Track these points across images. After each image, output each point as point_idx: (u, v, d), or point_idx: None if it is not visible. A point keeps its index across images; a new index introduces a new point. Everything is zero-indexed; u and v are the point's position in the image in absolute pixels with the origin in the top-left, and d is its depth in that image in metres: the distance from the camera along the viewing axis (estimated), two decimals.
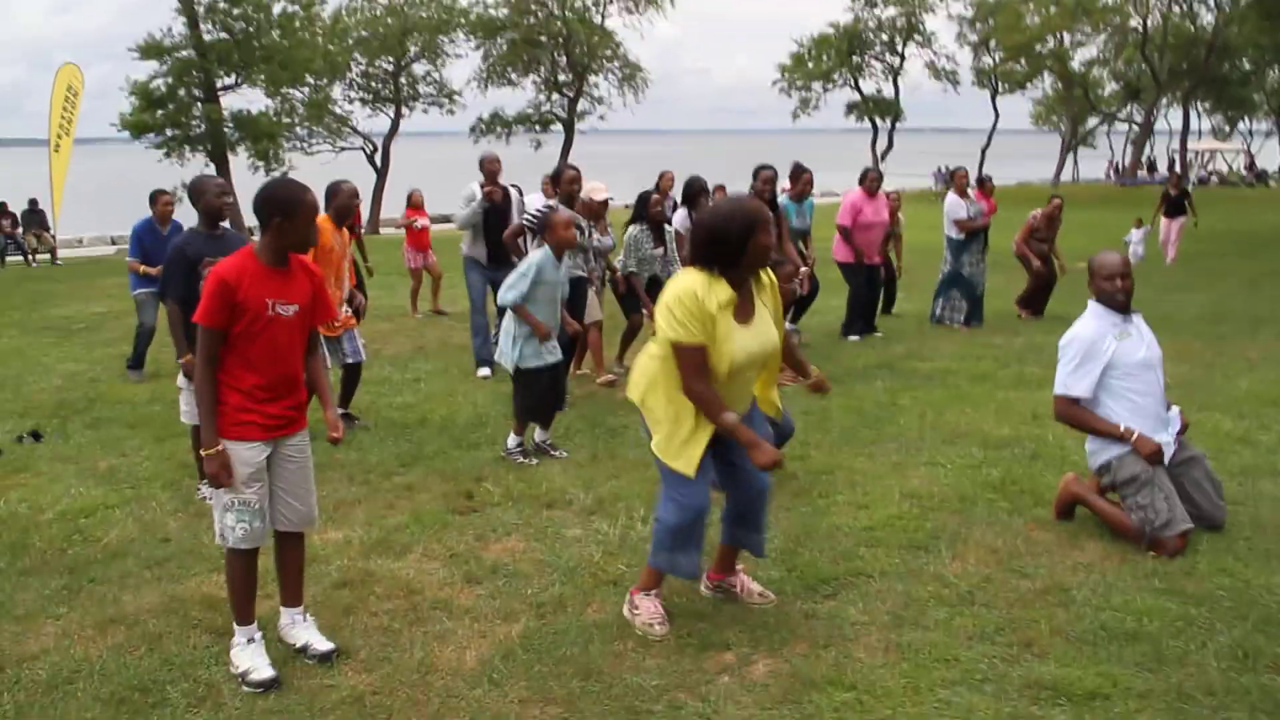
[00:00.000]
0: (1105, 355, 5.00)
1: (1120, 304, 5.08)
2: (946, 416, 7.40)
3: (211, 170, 30.90)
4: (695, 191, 9.80)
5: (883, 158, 47.00)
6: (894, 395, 8.05)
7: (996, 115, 51.51)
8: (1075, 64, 47.78)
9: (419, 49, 39.89)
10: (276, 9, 31.18)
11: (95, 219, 37.51)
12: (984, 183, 13.18)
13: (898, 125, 50.09)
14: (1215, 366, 9.06)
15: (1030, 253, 12.13)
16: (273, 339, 3.72)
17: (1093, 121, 53.33)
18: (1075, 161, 54.83)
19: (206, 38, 30.00)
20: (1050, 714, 3.43)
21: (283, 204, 3.72)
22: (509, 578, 4.65)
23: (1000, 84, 49.47)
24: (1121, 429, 4.96)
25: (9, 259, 23.65)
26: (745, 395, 4.12)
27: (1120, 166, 51.43)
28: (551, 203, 8.50)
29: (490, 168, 9.89)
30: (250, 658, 3.72)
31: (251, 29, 30.43)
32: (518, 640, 4.02)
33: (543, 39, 41.91)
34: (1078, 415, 5.10)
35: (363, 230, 11.82)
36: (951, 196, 11.48)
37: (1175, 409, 5.29)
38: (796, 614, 4.22)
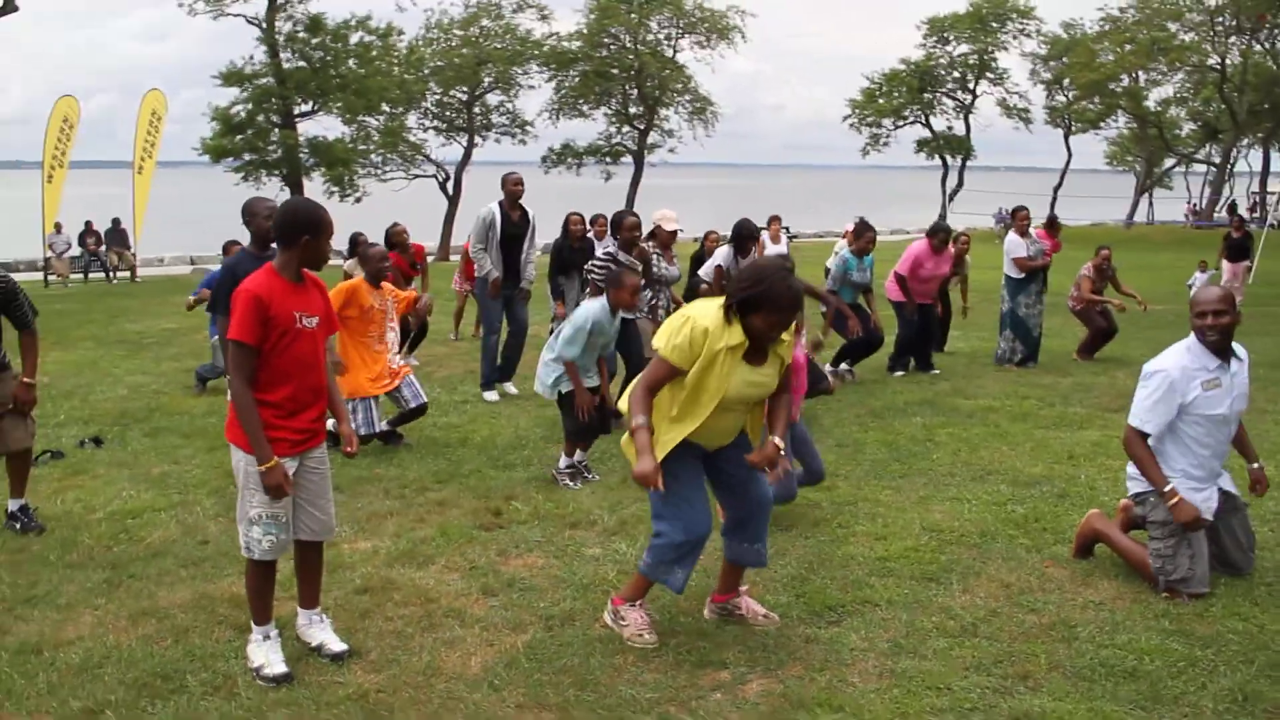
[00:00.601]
0: (1185, 398, 4.80)
1: (1211, 344, 4.81)
2: (981, 453, 7.41)
3: (286, 194, 31.74)
4: (744, 235, 9.99)
5: (953, 196, 46.71)
6: (930, 431, 8.08)
7: (1069, 154, 51.00)
8: (1151, 103, 47.05)
9: (493, 79, 40.48)
10: (354, 39, 32.03)
11: (177, 239, 38.70)
12: (1052, 223, 13.11)
13: (969, 163, 49.77)
14: (1268, 413, 8.92)
15: (1092, 302, 11.97)
16: (300, 351, 3.92)
17: (1169, 162, 52.44)
18: (1150, 203, 53.96)
19: (286, 66, 30.91)
20: None
21: (312, 224, 3.93)
22: (524, 591, 4.80)
23: (1073, 123, 48.95)
24: (1167, 487, 4.77)
25: (92, 275, 24.52)
26: (733, 427, 4.26)
27: (1199, 208, 50.52)
28: (612, 250, 8.58)
29: (512, 189, 10.05)
30: (265, 653, 3.91)
31: (329, 58, 31.29)
32: (523, 650, 4.16)
33: (614, 71, 42.41)
34: (1139, 452, 4.87)
35: (427, 261, 12.10)
36: (1012, 235, 11.49)
37: (1257, 465, 5.21)
38: (798, 638, 4.31)
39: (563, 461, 6.75)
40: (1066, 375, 10.80)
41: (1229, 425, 4.95)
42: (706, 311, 4.02)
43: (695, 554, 4.23)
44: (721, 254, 9.73)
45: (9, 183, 78.38)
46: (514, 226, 9.33)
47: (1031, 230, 11.62)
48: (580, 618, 4.50)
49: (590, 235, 10.80)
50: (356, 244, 11.32)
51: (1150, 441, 4.88)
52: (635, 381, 4.13)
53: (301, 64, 31.28)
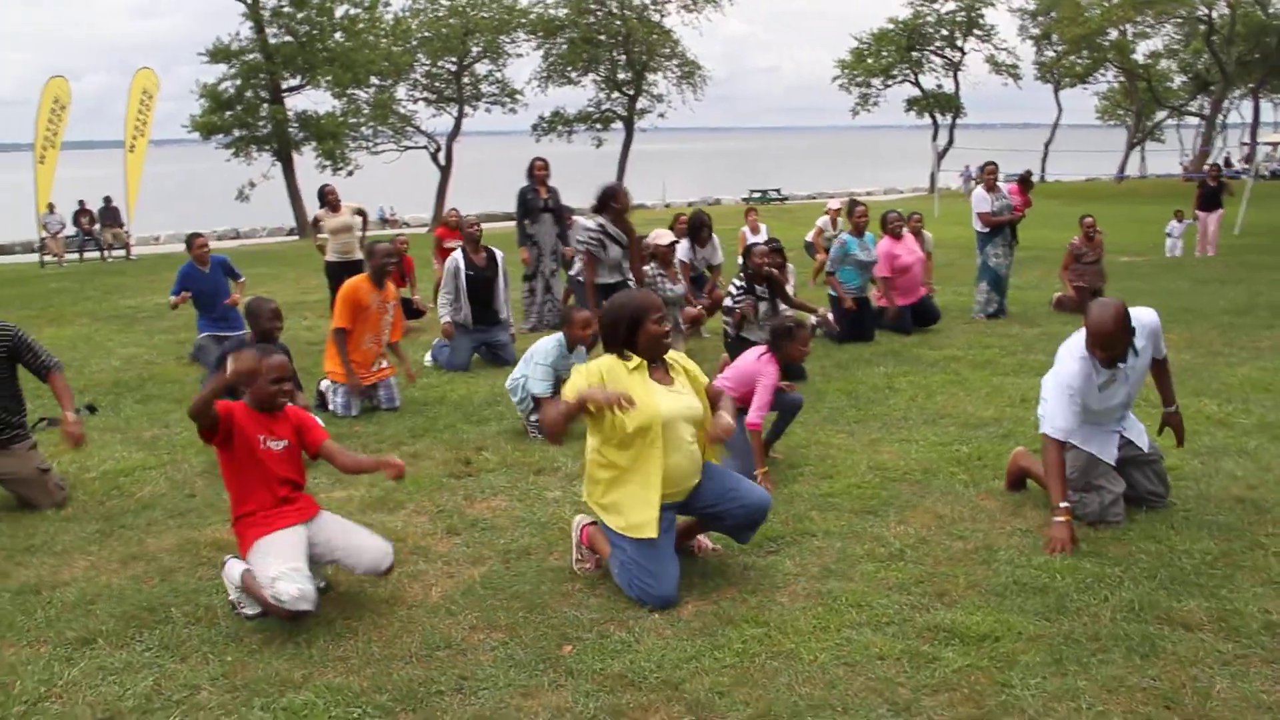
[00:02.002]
0: (1084, 397, 4.97)
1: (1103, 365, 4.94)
2: (937, 399, 7.73)
3: (278, 170, 31.99)
4: (697, 225, 10.33)
5: (943, 154, 46.82)
6: (891, 379, 8.40)
7: (1060, 110, 51.10)
8: (1139, 56, 47.10)
9: (481, 49, 40.64)
10: (339, 11, 32.15)
11: (172, 217, 38.94)
12: (1025, 180, 13.38)
13: (960, 121, 49.85)
14: (1221, 355, 9.23)
15: (1069, 280, 12.25)
16: (266, 471, 4.30)
17: (1160, 115, 52.46)
18: (1142, 156, 54.05)
19: (272, 41, 31.08)
20: (940, 652, 3.80)
21: (247, 376, 4.25)
22: (485, 530, 5.16)
23: (1062, 78, 48.99)
24: (1062, 504, 4.82)
25: (87, 254, 24.83)
26: (693, 463, 4.40)
27: (1187, 160, 50.56)
28: (601, 222, 8.85)
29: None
30: (241, 595, 4.24)
31: (315, 32, 31.44)
32: (479, 580, 4.53)
33: (602, 38, 42.50)
34: (1052, 460, 4.93)
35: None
36: (978, 190, 11.76)
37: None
38: (736, 566, 4.65)
39: (535, 415, 7.08)
40: (1034, 325, 11.10)
41: (1128, 401, 5.18)
42: (600, 359, 4.38)
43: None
44: (681, 249, 10.06)
45: (3, 165, 78.53)
46: (481, 271, 9.60)
47: (1003, 185, 11.87)
48: (536, 552, 4.86)
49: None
50: (325, 196, 11.69)
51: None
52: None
53: (288, 39, 31.46)
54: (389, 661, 3.82)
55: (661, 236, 9.17)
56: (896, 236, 10.83)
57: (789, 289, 9.66)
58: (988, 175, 11.79)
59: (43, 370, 5.89)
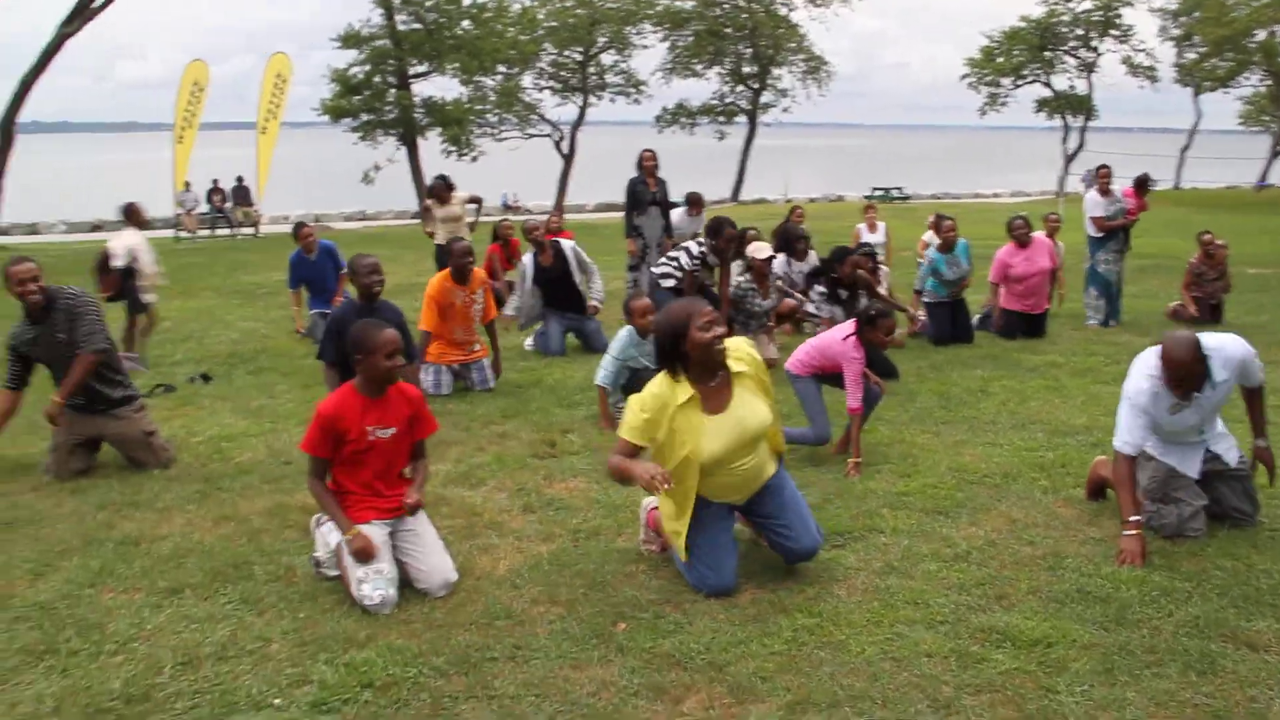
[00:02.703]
0: (1152, 416, 4.89)
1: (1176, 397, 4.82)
2: (1030, 404, 7.63)
3: (403, 154, 32.80)
4: (793, 238, 10.29)
5: (1073, 157, 45.51)
6: (986, 383, 8.31)
7: (1199, 114, 49.16)
8: None
9: (607, 39, 40.91)
10: (468, 0, 32.74)
11: (301, 197, 40.23)
12: (1141, 183, 12.98)
13: (1093, 124, 48.37)
14: None
15: (1189, 299, 11.80)
16: (373, 458, 4.41)
17: None
18: None
19: (401, 28, 31.85)
20: (990, 654, 3.81)
21: (359, 344, 4.35)
22: (560, 509, 5.33)
23: (1202, 81, 47.07)
24: (1132, 518, 4.73)
25: (219, 231, 25.89)
26: (749, 478, 4.40)
27: None
28: (704, 251, 8.86)
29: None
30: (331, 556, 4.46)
31: (443, 20, 32.08)
32: (546, 556, 4.69)
33: (728, 30, 42.47)
34: (1121, 474, 4.85)
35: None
36: (1092, 194, 11.43)
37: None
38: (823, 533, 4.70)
39: (622, 403, 7.23)
40: (1146, 335, 10.79)
41: (1202, 425, 5.02)
42: (652, 384, 4.32)
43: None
44: (777, 265, 10.05)
45: (149, 145, 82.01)
46: (548, 267, 9.78)
47: (1117, 189, 11.58)
48: (606, 533, 5.00)
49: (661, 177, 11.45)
50: (433, 190, 12.01)
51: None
52: (610, 457, 4.35)
53: (417, 26, 32.16)
54: (450, 628, 4.01)
55: (760, 250, 9.16)
56: (1022, 244, 10.47)
57: (882, 289, 9.60)
58: (1101, 178, 11.50)
59: (81, 347, 5.92)
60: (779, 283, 9.82)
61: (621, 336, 7.13)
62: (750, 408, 4.34)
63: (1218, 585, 4.44)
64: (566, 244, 9.92)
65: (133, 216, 10.08)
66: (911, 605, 4.22)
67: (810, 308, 8.89)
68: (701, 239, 9.04)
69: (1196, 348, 4.68)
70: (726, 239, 8.71)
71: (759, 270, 8.99)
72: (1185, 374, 4.68)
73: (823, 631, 3.98)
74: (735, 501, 4.46)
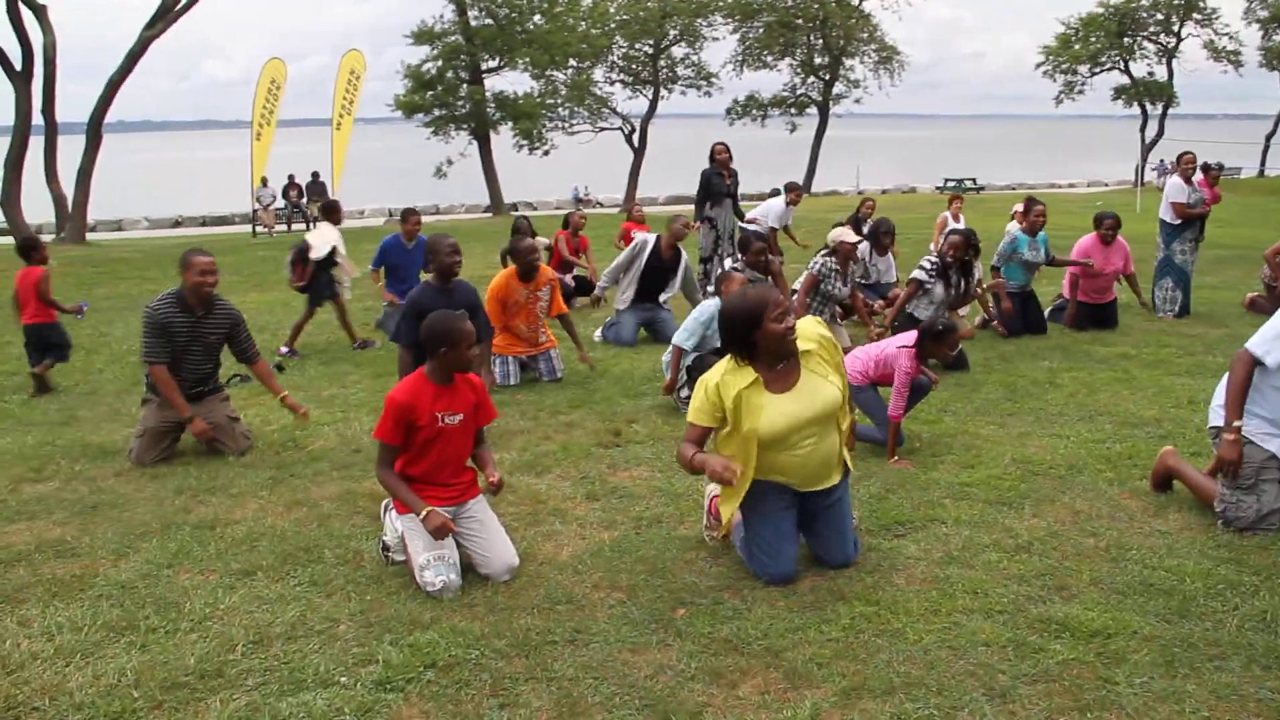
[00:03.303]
0: None
1: None
2: (1098, 396, 7.54)
3: (475, 148, 33.15)
4: (881, 232, 10.25)
5: (1152, 146, 44.51)
6: (1054, 374, 8.22)
7: None
8: None
9: (678, 32, 40.92)
10: None
11: (377, 191, 40.87)
12: (1208, 169, 12.69)
13: (1171, 111, 47.25)
14: None
15: (1278, 274, 11.46)
16: (442, 444, 4.50)
17: None
18: None
19: (473, 23, 32.20)
20: (1048, 644, 3.80)
21: (447, 337, 4.42)
22: (623, 498, 5.40)
23: None
24: (1236, 423, 4.80)
25: (295, 226, 26.42)
26: (815, 463, 4.36)
27: None
28: (769, 222, 8.90)
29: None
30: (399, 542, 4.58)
31: (515, 15, 32.38)
32: (608, 543, 4.77)
33: (799, 21, 42.23)
34: (1238, 376, 4.83)
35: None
36: (1175, 179, 11.19)
37: None
38: (861, 546, 4.73)
39: (686, 391, 7.27)
40: (1220, 326, 10.59)
41: None
42: (715, 369, 4.33)
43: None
44: (860, 251, 10.09)
45: (227, 142, 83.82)
46: (664, 263, 9.88)
47: (1194, 178, 11.35)
48: (668, 520, 5.07)
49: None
50: (517, 231, 12.00)
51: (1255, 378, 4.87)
52: (679, 448, 4.41)
53: (488, 21, 32.50)
54: (511, 611, 4.10)
55: (848, 234, 9.19)
56: (1106, 242, 10.31)
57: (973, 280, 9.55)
58: (1186, 165, 11.26)
59: (248, 357, 6.60)
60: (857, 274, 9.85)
61: (708, 305, 7.17)
62: (816, 386, 4.31)
63: None
64: (684, 253, 10.04)
65: (332, 214, 10.85)
66: (970, 595, 4.22)
67: (919, 274, 8.92)
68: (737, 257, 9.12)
69: None
70: (754, 253, 8.73)
71: (846, 254, 9.05)
72: None
73: (880, 619, 4.00)
74: (794, 485, 4.43)
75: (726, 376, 4.27)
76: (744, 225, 12.54)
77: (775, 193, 13.17)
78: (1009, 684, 3.53)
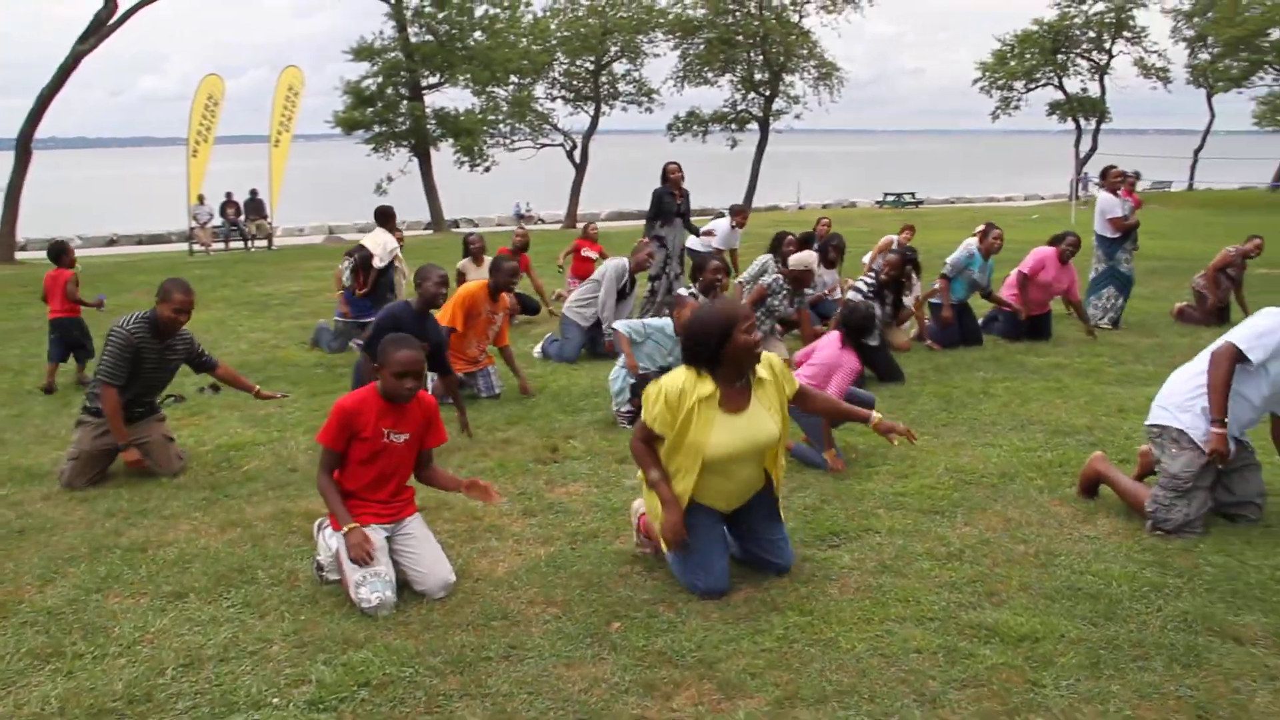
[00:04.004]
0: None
1: None
2: (1031, 406, 7.67)
3: (415, 165, 33.00)
4: (833, 246, 10.36)
5: (1085, 159, 45.43)
6: (988, 385, 8.36)
7: (1212, 115, 49.01)
8: None
9: (619, 48, 41.07)
10: (480, 11, 32.97)
11: (316, 209, 40.50)
12: (1125, 177, 12.90)
13: (1108, 126, 48.31)
14: None
15: (1212, 289, 11.73)
16: (384, 461, 4.50)
17: None
18: None
19: (413, 40, 32.10)
20: (978, 650, 3.86)
21: (380, 356, 4.46)
22: (560, 513, 5.39)
23: (1216, 82, 46.90)
24: (1226, 418, 4.93)
25: (232, 244, 26.11)
26: (741, 488, 4.46)
27: None
28: (712, 243, 8.87)
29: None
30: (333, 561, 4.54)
31: (455, 31, 32.32)
32: (544, 559, 4.76)
33: (739, 38, 42.48)
34: (1221, 372, 4.94)
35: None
36: (1106, 195, 11.43)
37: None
38: (795, 555, 4.77)
39: (626, 406, 7.29)
40: (1151, 335, 10.84)
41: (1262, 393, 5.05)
42: (675, 375, 4.34)
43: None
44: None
45: (166, 158, 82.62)
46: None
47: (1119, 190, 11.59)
48: (604, 535, 5.07)
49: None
50: (469, 245, 11.93)
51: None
52: (632, 439, 4.45)
53: (429, 38, 32.41)
54: (447, 628, 4.08)
55: (815, 266, 9.26)
56: (1063, 260, 10.49)
57: (910, 297, 9.67)
58: (1114, 179, 11.50)
59: (209, 366, 6.58)
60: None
61: (658, 322, 7.22)
62: (761, 419, 4.37)
63: (1207, 580, 4.49)
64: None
65: (387, 220, 11.18)
66: (902, 603, 4.27)
67: (851, 295, 9.02)
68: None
69: None
70: (709, 273, 8.60)
71: (801, 280, 9.07)
72: None
73: (813, 629, 4.04)
74: (722, 509, 4.50)
75: (685, 383, 4.28)
76: (697, 239, 12.62)
77: (721, 215, 13.23)
78: (939, 690, 3.59)
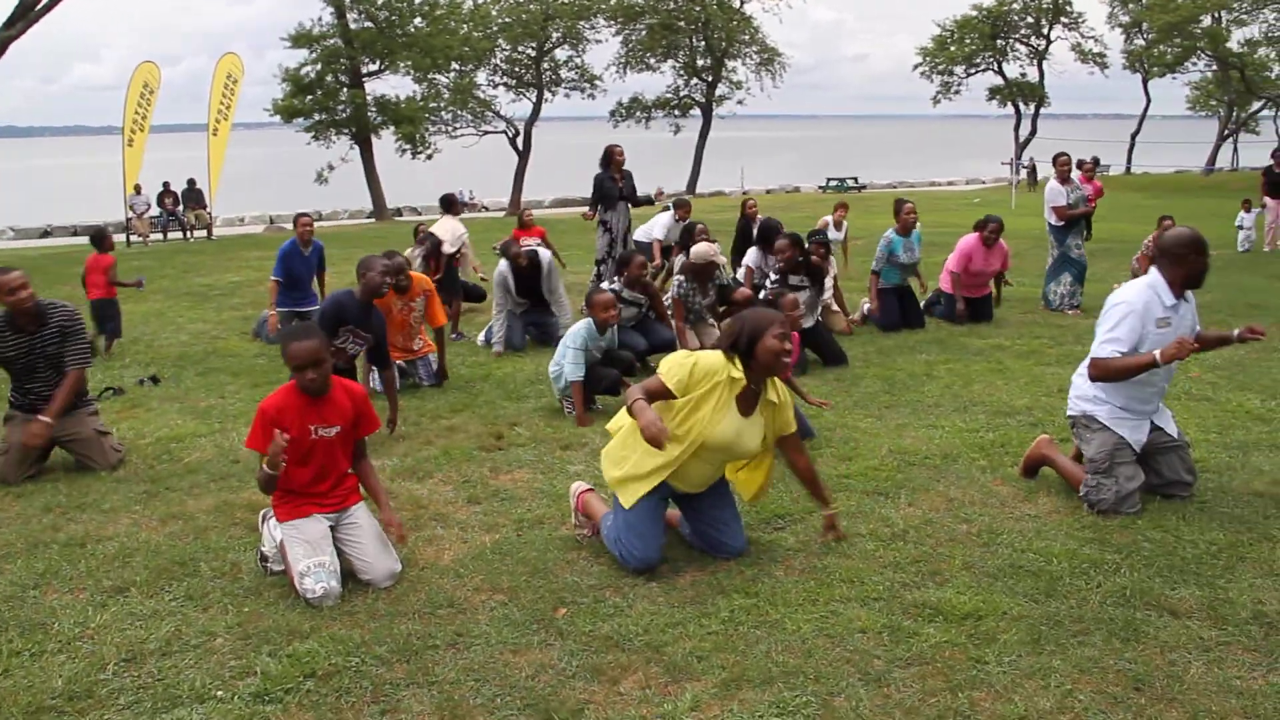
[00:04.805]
0: (1145, 336, 5.03)
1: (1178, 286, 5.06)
2: (973, 387, 7.77)
3: (356, 154, 32.65)
4: (769, 232, 10.32)
5: (1025, 144, 46.04)
6: (931, 367, 8.45)
7: (1148, 100, 49.89)
8: (1234, 44, 45.50)
9: (560, 35, 40.95)
10: None
11: (256, 199, 39.94)
12: (1083, 164, 13.06)
13: (1047, 111, 48.98)
14: (1278, 351, 9.09)
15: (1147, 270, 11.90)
16: (316, 458, 4.43)
17: (1256, 105, 50.73)
18: (1235, 149, 52.42)
19: (352, 26, 31.73)
20: (922, 629, 3.91)
21: (284, 353, 4.38)
22: (505, 500, 5.39)
23: (1151, 67, 47.72)
24: (1156, 354, 4.89)
25: (171, 234, 25.68)
26: (706, 478, 4.58)
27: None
28: (616, 288, 8.70)
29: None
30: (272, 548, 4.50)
31: (394, 17, 31.98)
32: (490, 546, 4.75)
33: (681, 24, 42.59)
34: (1116, 365, 5.01)
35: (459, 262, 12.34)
36: (1052, 183, 11.44)
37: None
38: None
39: (570, 395, 7.26)
40: (1091, 317, 10.92)
41: (1171, 366, 5.13)
42: (714, 354, 4.42)
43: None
44: (750, 256, 10.16)
45: (100, 147, 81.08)
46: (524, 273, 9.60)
47: (1074, 175, 11.64)
48: (549, 521, 5.07)
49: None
50: (422, 239, 11.72)
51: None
52: (633, 389, 4.40)
53: (368, 24, 32.05)
54: (392, 617, 4.06)
55: (715, 255, 9.20)
56: (988, 245, 10.61)
57: (828, 281, 9.65)
58: (1061, 167, 11.48)
59: (68, 364, 6.09)
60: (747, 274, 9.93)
61: (579, 329, 7.14)
62: (754, 432, 4.47)
63: (1145, 556, 4.58)
64: (545, 256, 9.82)
65: (453, 206, 11.44)
66: (847, 583, 4.32)
67: (762, 294, 8.96)
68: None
69: (1199, 235, 5.08)
70: (635, 268, 8.53)
71: (700, 273, 9.00)
72: (1192, 252, 5.01)
73: (759, 611, 4.07)
74: (680, 490, 4.57)
75: (718, 362, 4.37)
76: (641, 232, 12.60)
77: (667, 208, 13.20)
78: (884, 668, 3.63)
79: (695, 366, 4.35)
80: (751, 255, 10.27)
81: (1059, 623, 3.95)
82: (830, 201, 15.49)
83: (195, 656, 3.78)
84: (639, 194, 12.08)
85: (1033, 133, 47.54)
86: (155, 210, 25.70)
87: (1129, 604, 4.11)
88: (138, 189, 24.74)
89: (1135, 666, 3.63)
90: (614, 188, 11.57)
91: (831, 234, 13.54)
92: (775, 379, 4.52)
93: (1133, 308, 5.06)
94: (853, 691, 3.48)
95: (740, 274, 10.29)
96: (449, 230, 10.91)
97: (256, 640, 3.88)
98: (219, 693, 3.53)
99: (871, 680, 3.55)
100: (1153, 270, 5.18)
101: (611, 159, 11.62)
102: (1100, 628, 3.91)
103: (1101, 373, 5.12)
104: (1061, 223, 11.29)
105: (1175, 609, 4.06)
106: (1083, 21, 46.31)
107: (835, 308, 10.06)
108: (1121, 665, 3.64)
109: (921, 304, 10.83)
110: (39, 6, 22.74)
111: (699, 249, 9.02)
